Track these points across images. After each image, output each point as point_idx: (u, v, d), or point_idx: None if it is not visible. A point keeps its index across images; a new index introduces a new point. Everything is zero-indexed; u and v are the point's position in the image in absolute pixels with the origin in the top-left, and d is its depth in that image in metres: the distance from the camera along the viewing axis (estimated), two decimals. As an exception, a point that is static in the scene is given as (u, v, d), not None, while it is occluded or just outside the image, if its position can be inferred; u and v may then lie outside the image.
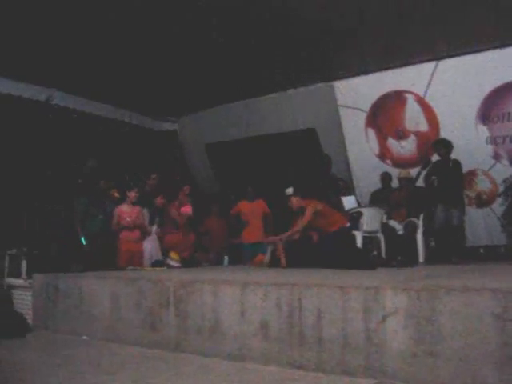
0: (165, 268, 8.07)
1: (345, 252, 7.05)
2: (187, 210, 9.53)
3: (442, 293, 3.54)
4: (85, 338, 5.70)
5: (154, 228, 9.12)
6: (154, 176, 9.82)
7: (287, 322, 4.18)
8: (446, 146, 8.75)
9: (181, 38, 9.16)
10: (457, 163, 8.70)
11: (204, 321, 4.76)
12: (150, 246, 8.95)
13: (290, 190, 8.24)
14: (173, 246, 9.13)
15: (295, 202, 8.06)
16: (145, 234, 8.93)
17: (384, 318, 3.73)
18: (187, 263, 8.84)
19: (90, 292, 5.89)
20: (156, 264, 8.37)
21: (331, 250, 7.07)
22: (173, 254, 8.70)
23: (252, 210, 10.41)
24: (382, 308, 3.74)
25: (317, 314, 4.02)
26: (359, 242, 8.14)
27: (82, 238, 8.52)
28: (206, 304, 4.77)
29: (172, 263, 8.43)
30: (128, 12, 8.22)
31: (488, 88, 9.49)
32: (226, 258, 9.88)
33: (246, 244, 10.28)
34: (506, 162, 9.43)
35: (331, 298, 3.97)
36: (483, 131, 9.58)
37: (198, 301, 4.84)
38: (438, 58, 9.73)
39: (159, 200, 9.24)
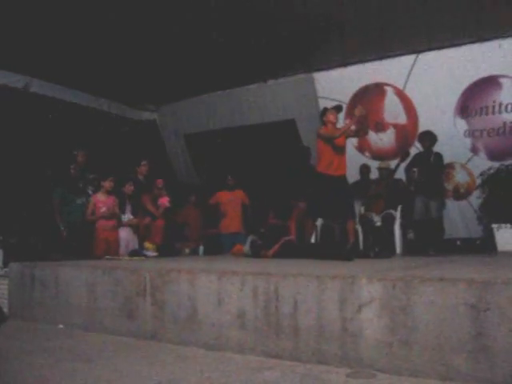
0: (142, 258, 8.05)
1: (323, 243, 7.08)
2: (164, 201, 9.51)
3: (417, 283, 3.57)
4: (61, 326, 5.67)
5: (126, 216, 9.06)
6: (144, 162, 9.74)
7: (264, 312, 4.18)
8: (431, 138, 8.83)
9: (160, 27, 9.12)
10: (438, 156, 8.79)
11: (181, 310, 4.74)
12: (126, 235, 8.92)
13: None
14: (145, 233, 9.15)
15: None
16: (121, 223, 8.90)
17: (360, 308, 3.74)
18: (163, 250, 8.84)
19: (67, 281, 5.84)
20: (133, 253, 8.34)
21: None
22: (148, 245, 8.70)
23: (231, 200, 10.39)
24: (358, 297, 3.76)
25: (293, 304, 4.03)
26: (337, 233, 8.18)
27: (61, 225, 8.49)
28: (182, 293, 4.76)
29: (149, 253, 8.41)
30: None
31: (467, 82, 9.58)
32: (202, 248, 9.87)
33: (225, 234, 10.28)
34: (483, 155, 9.54)
35: (307, 288, 3.98)
36: (461, 124, 9.67)
37: (175, 290, 4.82)
38: (418, 51, 9.77)
39: (128, 187, 9.15)
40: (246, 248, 7.75)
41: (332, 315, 3.86)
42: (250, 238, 7.83)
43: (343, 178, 7.72)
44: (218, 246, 10.13)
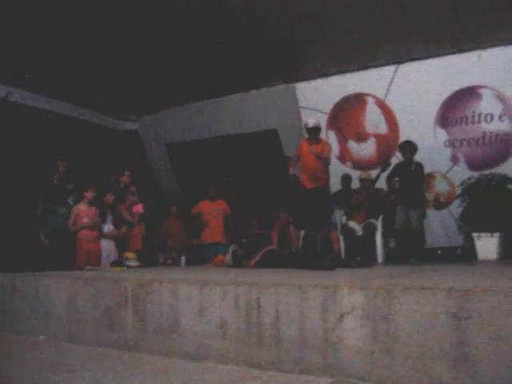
0: (124, 268, 8.01)
1: (304, 253, 7.10)
2: (138, 208, 9.50)
3: (398, 292, 3.58)
4: (42, 337, 5.62)
5: (107, 227, 9.02)
6: (127, 173, 9.72)
7: (245, 322, 4.17)
8: (411, 148, 8.88)
9: (142, 39, 9.10)
10: (419, 166, 8.84)
11: (162, 320, 4.72)
12: (107, 246, 8.88)
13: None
14: (125, 242, 9.14)
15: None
16: (102, 233, 8.86)
17: (341, 317, 3.74)
18: (145, 259, 8.83)
19: (48, 292, 5.80)
20: (114, 264, 8.31)
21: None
22: (128, 254, 8.68)
23: (213, 210, 10.40)
24: (340, 307, 3.76)
25: (275, 313, 4.02)
26: (319, 243, 8.20)
27: (41, 235, 8.44)
28: (164, 303, 4.74)
29: (130, 263, 8.38)
30: (89, 9, 8.14)
31: (447, 92, 9.70)
32: (183, 258, 9.85)
33: (207, 244, 10.27)
34: (463, 164, 9.65)
35: (289, 297, 3.98)
36: (441, 134, 9.78)
37: (157, 300, 4.80)
38: (398, 61, 9.87)
39: (109, 197, 9.13)
40: (228, 258, 7.74)
41: (314, 325, 3.86)
42: (231, 248, 7.83)
43: (321, 188, 7.86)
44: (199, 256, 10.12)
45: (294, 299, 3.96)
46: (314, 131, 8.13)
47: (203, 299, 4.46)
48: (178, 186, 12.97)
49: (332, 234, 8.04)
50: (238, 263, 7.40)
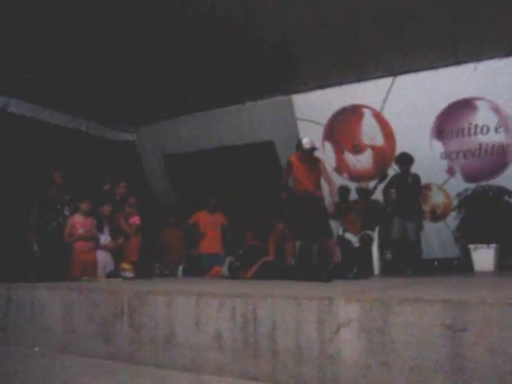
0: (120, 279, 7.98)
1: (301, 264, 7.10)
2: (135, 220, 9.50)
3: (394, 304, 3.57)
4: (37, 349, 5.60)
5: (104, 238, 9.00)
6: (122, 184, 9.72)
7: (242, 333, 4.16)
8: (408, 160, 8.90)
9: (139, 49, 9.14)
10: (416, 178, 8.88)
11: (158, 332, 4.70)
12: (103, 257, 8.86)
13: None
14: (121, 253, 9.12)
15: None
16: (98, 244, 8.85)
17: (338, 329, 3.74)
18: (140, 269, 8.81)
19: (43, 303, 5.77)
20: (110, 275, 8.29)
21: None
22: (124, 265, 8.66)
23: (211, 221, 10.41)
24: (336, 319, 3.75)
25: (271, 325, 4.02)
26: (315, 254, 8.18)
27: (35, 246, 8.42)
28: (160, 315, 4.73)
29: (126, 274, 8.36)
30: (86, 20, 8.17)
31: (443, 104, 9.73)
32: (180, 268, 9.83)
33: (204, 255, 10.26)
34: (459, 176, 9.67)
35: (286, 309, 3.97)
36: (438, 146, 9.81)
37: (152, 312, 4.78)
38: (395, 73, 9.90)
39: (106, 208, 9.12)
40: (224, 269, 7.73)
41: (310, 337, 3.85)
42: (228, 260, 7.82)
43: (314, 197, 7.87)
44: (196, 267, 10.11)
45: (290, 311, 3.96)
46: (311, 152, 8.02)
47: (199, 311, 4.45)
48: (175, 197, 12.96)
49: (329, 243, 8.04)
50: (234, 275, 7.38)
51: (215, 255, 9.94)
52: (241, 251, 8.40)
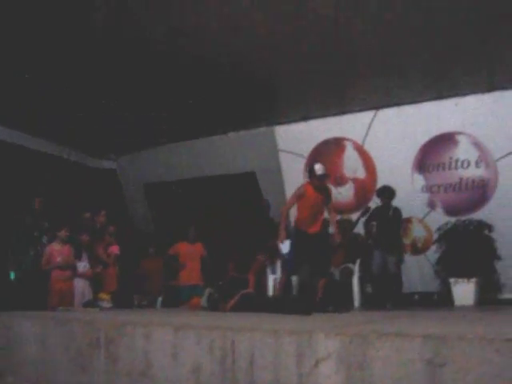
0: (97, 309, 7.88)
1: (281, 297, 7.05)
2: (114, 250, 9.44)
3: (373, 338, 3.54)
4: (11, 379, 5.48)
5: (82, 265, 8.91)
6: (103, 212, 9.69)
7: (220, 367, 4.10)
8: (389, 193, 8.93)
9: (121, 80, 9.14)
10: (397, 211, 8.91)
11: (135, 364, 4.62)
12: (81, 286, 8.76)
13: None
14: (99, 282, 9.04)
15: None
16: (75, 273, 8.76)
17: (317, 363, 3.69)
18: (118, 300, 8.71)
19: (19, 332, 5.66)
20: (88, 304, 8.19)
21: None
22: (102, 295, 8.57)
23: (191, 252, 10.33)
24: (315, 353, 3.71)
25: (250, 359, 3.96)
26: (296, 287, 8.15)
27: (12, 274, 8.32)
28: (137, 347, 4.65)
29: (104, 304, 8.27)
30: (69, 51, 8.17)
31: (424, 138, 9.84)
32: (159, 299, 9.73)
33: (184, 286, 10.17)
34: (440, 210, 9.72)
35: (264, 343, 3.92)
36: (419, 180, 9.88)
37: (130, 343, 4.71)
38: (377, 107, 9.99)
39: (85, 237, 9.05)
40: (204, 301, 7.66)
41: (289, 370, 3.80)
42: (207, 291, 7.76)
43: (318, 234, 7.58)
44: (176, 298, 10.02)
45: (269, 344, 3.91)
46: (324, 178, 7.49)
47: (177, 343, 4.38)
48: (154, 227, 12.89)
49: (322, 280, 7.82)
50: (213, 306, 7.32)
51: (195, 286, 9.85)
52: (220, 283, 8.34)
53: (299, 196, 7.46)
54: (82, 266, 8.92)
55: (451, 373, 3.29)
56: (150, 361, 4.53)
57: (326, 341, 3.70)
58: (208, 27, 7.86)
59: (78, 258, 8.81)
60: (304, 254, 7.39)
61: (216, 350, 4.13)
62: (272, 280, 8.75)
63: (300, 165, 10.68)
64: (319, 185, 7.41)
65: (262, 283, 8.98)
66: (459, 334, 3.38)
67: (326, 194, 7.55)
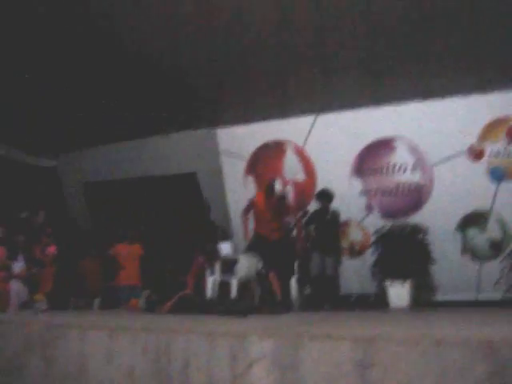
0: (33, 311, 7.76)
1: (219, 299, 7.09)
2: (51, 250, 9.32)
3: (305, 340, 3.62)
4: None
5: (19, 267, 8.77)
6: (41, 213, 9.54)
7: (154, 368, 4.12)
8: (328, 196, 9.06)
9: (63, 77, 9.02)
10: (336, 214, 9.05)
11: (70, 366, 4.60)
12: (17, 287, 8.61)
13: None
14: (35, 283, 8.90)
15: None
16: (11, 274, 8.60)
17: (250, 365, 3.75)
18: (55, 301, 8.60)
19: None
20: (23, 306, 8.06)
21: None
22: (37, 297, 8.45)
23: (129, 252, 10.26)
24: (249, 354, 3.76)
25: (184, 361, 3.99)
26: (234, 289, 8.18)
27: None
28: (72, 349, 4.63)
29: (39, 306, 8.14)
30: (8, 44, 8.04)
31: (363, 143, 10.01)
32: (97, 300, 9.63)
33: (122, 287, 10.09)
34: (377, 213, 9.90)
35: (199, 345, 3.96)
36: (357, 184, 10.06)
37: (65, 345, 4.68)
38: (318, 111, 10.11)
39: (21, 238, 8.92)
40: (141, 303, 7.63)
41: (223, 372, 3.84)
42: (145, 293, 7.74)
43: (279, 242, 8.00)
44: (114, 299, 9.92)
45: (203, 346, 3.95)
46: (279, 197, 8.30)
47: (112, 345, 4.38)
48: (94, 226, 12.73)
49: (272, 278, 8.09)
50: (151, 308, 7.30)
51: (133, 287, 9.78)
52: (159, 284, 8.32)
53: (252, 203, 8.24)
54: (18, 267, 8.76)
55: (379, 373, 3.39)
56: (84, 363, 4.52)
57: (259, 343, 3.75)
58: (149, 27, 7.85)
59: (14, 259, 8.65)
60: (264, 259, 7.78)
61: (151, 352, 4.15)
62: (211, 282, 8.74)
63: (241, 167, 10.74)
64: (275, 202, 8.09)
65: (200, 285, 8.98)
66: (388, 336, 3.48)
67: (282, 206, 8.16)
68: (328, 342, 3.56)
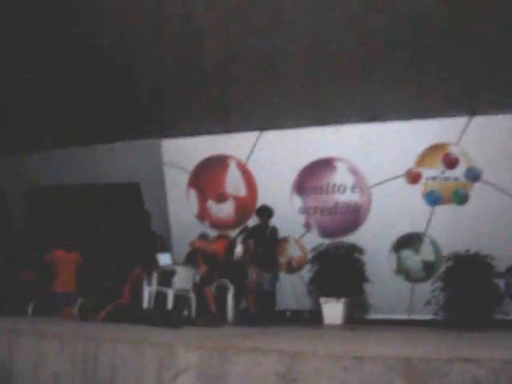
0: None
1: (154, 310, 7.10)
2: None
3: (231, 353, 3.69)
4: None
5: None
6: None
7: (81, 376, 4.12)
8: (268, 212, 9.17)
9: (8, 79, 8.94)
10: (274, 230, 9.16)
11: (-4, 372, 4.55)
12: None
13: None
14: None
15: None
16: None
17: (176, 375, 3.80)
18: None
19: None
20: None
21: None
22: None
23: (67, 260, 10.15)
24: (175, 365, 3.81)
25: (111, 369, 4.01)
26: (170, 300, 8.19)
27: None
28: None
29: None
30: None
31: (305, 162, 10.13)
32: (31, 305, 9.49)
33: (58, 293, 9.97)
34: (315, 231, 10.04)
35: (127, 354, 3.99)
36: (297, 202, 10.18)
37: (-8, 351, 4.63)
38: (262, 128, 10.23)
39: None
40: (75, 310, 7.58)
41: (149, 381, 3.88)
42: (79, 301, 7.68)
43: None
44: (49, 305, 9.80)
45: (131, 355, 3.98)
46: None
47: (40, 351, 4.37)
48: (33, 232, 12.52)
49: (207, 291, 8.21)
50: (84, 316, 7.26)
51: (68, 294, 9.68)
52: (95, 292, 8.27)
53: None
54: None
55: (302, 387, 3.48)
56: (10, 369, 4.49)
57: (185, 354, 3.81)
58: (98, 39, 7.86)
59: None
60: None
61: (78, 360, 4.15)
62: (147, 292, 8.72)
63: (184, 179, 10.75)
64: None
65: (137, 295, 8.95)
66: (311, 351, 3.58)
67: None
68: (254, 356, 3.64)
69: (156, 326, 6.01)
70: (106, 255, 10.25)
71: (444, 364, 3.30)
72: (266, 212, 9.24)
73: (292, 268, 10.20)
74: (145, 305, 8.51)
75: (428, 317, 9.08)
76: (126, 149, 11.34)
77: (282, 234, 9.50)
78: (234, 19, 8.49)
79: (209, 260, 9.32)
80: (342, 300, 9.17)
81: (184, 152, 10.74)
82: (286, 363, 3.54)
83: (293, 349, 3.70)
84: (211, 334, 5.28)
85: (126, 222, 10.59)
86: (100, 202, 11.41)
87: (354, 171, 9.97)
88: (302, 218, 10.16)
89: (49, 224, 12.13)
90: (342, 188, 10.01)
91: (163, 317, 6.44)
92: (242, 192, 10.50)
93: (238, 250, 8.74)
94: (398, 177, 9.71)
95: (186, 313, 8.53)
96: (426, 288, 9.29)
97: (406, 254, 9.76)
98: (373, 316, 9.60)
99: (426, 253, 9.65)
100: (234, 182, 10.55)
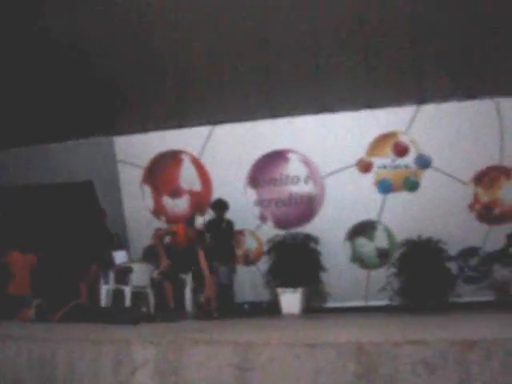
0: None
1: (111, 307, 7.10)
2: None
3: (188, 346, 3.74)
4: None
5: None
6: None
7: (39, 377, 4.12)
8: (223, 206, 9.25)
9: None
10: (230, 223, 9.27)
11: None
12: None
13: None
14: None
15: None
16: None
17: (134, 371, 3.83)
18: None
19: None
20: None
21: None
22: None
23: (22, 262, 10.04)
24: (132, 361, 3.84)
25: (69, 368, 4.02)
26: (128, 297, 8.21)
27: None
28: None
29: None
30: None
31: (258, 154, 10.23)
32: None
33: (13, 296, 9.86)
34: (270, 223, 10.16)
35: (84, 352, 4.00)
36: (251, 194, 10.26)
37: None
38: (214, 122, 10.27)
39: None
40: (32, 311, 7.53)
41: (107, 379, 3.91)
42: (35, 302, 7.63)
43: None
44: (5, 308, 9.68)
45: (88, 354, 4.00)
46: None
47: (-5, 355, 4.35)
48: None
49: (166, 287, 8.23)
50: (41, 317, 7.21)
51: (23, 296, 9.59)
52: (51, 293, 8.21)
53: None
54: None
55: (258, 377, 3.55)
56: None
57: (142, 349, 3.85)
58: (49, 31, 7.80)
59: None
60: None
61: (35, 361, 4.16)
62: (105, 290, 8.72)
63: (138, 175, 10.74)
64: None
65: (94, 293, 8.94)
66: (265, 340, 3.66)
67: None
68: (209, 348, 3.70)
69: (114, 324, 6.01)
70: (61, 255, 10.16)
71: (393, 347, 3.40)
72: (221, 205, 9.32)
73: (249, 260, 10.30)
74: (102, 303, 8.52)
75: (384, 302, 9.31)
76: (78, 147, 11.25)
77: (237, 226, 9.61)
78: (183, 12, 8.52)
79: (171, 253, 9.37)
80: (299, 290, 9.32)
81: (137, 148, 10.71)
82: (241, 354, 3.61)
83: (247, 339, 3.77)
84: (169, 329, 5.33)
85: (80, 221, 10.50)
86: (54, 202, 11.29)
87: (306, 162, 10.11)
88: (257, 210, 10.27)
89: (2, 225, 11.96)
90: (295, 179, 10.14)
91: (121, 314, 6.45)
92: (197, 186, 10.55)
93: (199, 221, 8.75)
94: (350, 166, 9.89)
95: (144, 309, 8.56)
96: (381, 275, 9.53)
97: (361, 241, 9.96)
98: (330, 304, 9.80)
99: (380, 240, 9.87)
100: (188, 177, 10.59)
